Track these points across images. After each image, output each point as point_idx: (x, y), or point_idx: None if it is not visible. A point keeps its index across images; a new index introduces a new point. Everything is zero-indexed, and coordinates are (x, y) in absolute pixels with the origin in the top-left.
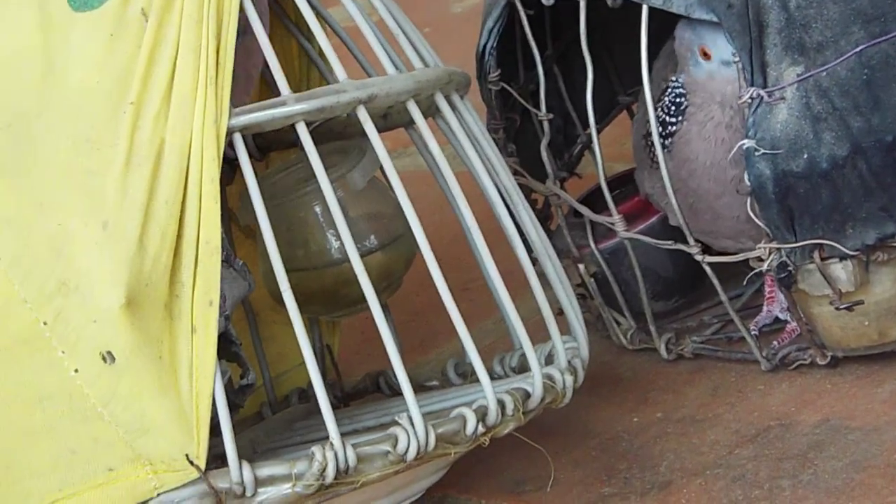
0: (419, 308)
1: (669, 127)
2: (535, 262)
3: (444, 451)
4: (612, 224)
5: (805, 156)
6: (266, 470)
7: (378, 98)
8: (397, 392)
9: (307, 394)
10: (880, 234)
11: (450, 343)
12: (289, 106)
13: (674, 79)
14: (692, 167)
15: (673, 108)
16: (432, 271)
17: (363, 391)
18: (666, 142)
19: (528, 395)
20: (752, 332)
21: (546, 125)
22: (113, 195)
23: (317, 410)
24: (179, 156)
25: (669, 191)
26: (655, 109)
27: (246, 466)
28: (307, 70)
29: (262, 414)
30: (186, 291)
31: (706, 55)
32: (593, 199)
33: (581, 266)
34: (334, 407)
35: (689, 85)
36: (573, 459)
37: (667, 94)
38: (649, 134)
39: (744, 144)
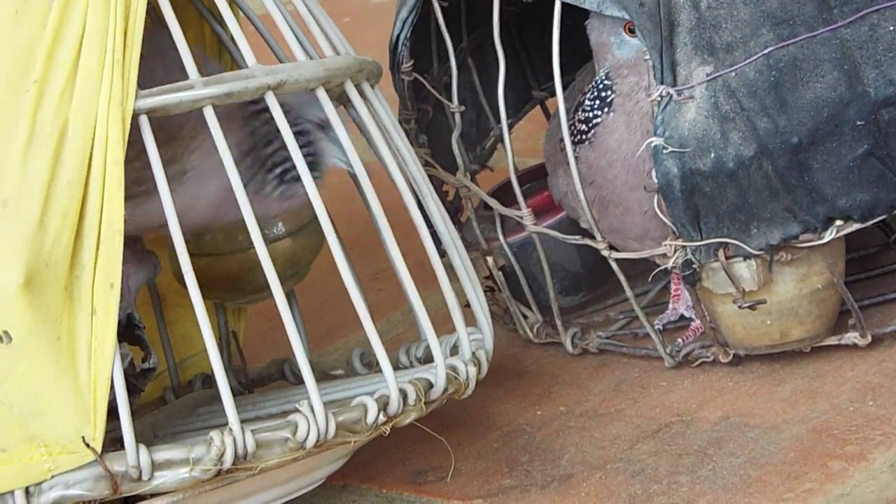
0: (327, 296)
1: (594, 121)
2: (443, 254)
3: (344, 439)
4: (521, 218)
5: (712, 155)
6: (163, 454)
7: (287, 84)
8: (302, 380)
9: (211, 379)
10: (784, 234)
11: (356, 332)
12: (196, 90)
13: (598, 77)
14: (613, 157)
15: (598, 101)
16: (338, 260)
17: (267, 378)
18: (589, 134)
19: (430, 386)
20: (657, 329)
21: (458, 117)
22: (13, 174)
23: (220, 396)
24: (83, 137)
25: (578, 186)
26: (577, 113)
27: (143, 450)
28: (219, 55)
29: (165, 398)
30: (87, 273)
31: (633, 31)
32: (503, 193)
33: (490, 259)
34: (237, 393)
35: (614, 72)
36: (475, 451)
37: (589, 93)
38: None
39: (652, 142)
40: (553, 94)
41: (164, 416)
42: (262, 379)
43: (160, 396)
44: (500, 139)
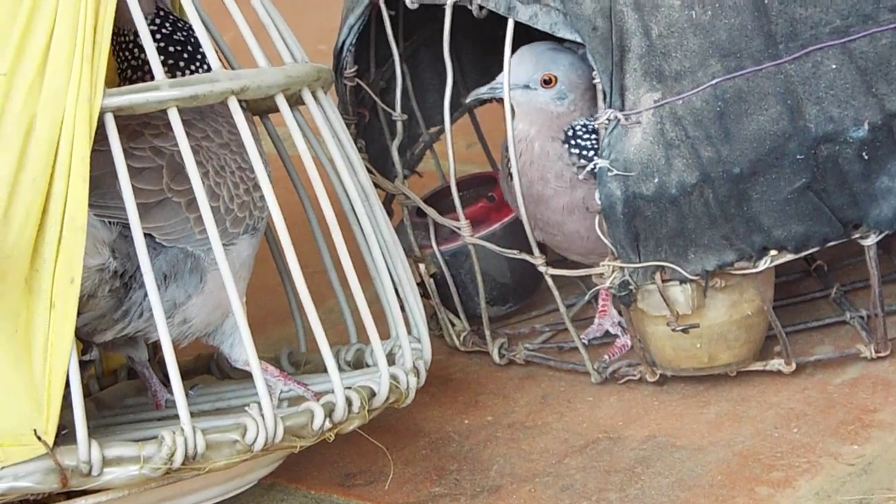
0: (249, 291)
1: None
2: None
3: (290, 443)
4: (459, 228)
5: (655, 180)
6: (114, 450)
7: (250, 89)
8: (227, 375)
9: (135, 370)
10: (720, 261)
11: (280, 327)
12: (162, 91)
13: None
14: (539, 189)
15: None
16: (288, 257)
17: (193, 371)
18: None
19: (373, 394)
20: (583, 344)
21: (399, 125)
22: None
23: (146, 388)
24: (50, 133)
25: (521, 204)
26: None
27: (94, 446)
28: None
29: (89, 388)
30: (48, 267)
31: (547, 83)
32: (435, 201)
33: (421, 266)
34: (163, 385)
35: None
36: (403, 457)
37: None
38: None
39: (597, 164)
40: (482, 102)
41: (93, 407)
42: (187, 372)
43: (84, 385)
44: (429, 145)
